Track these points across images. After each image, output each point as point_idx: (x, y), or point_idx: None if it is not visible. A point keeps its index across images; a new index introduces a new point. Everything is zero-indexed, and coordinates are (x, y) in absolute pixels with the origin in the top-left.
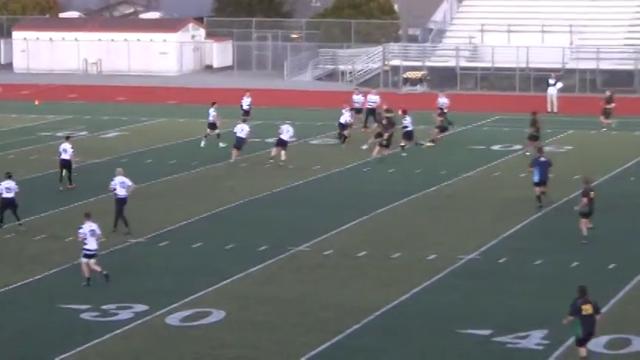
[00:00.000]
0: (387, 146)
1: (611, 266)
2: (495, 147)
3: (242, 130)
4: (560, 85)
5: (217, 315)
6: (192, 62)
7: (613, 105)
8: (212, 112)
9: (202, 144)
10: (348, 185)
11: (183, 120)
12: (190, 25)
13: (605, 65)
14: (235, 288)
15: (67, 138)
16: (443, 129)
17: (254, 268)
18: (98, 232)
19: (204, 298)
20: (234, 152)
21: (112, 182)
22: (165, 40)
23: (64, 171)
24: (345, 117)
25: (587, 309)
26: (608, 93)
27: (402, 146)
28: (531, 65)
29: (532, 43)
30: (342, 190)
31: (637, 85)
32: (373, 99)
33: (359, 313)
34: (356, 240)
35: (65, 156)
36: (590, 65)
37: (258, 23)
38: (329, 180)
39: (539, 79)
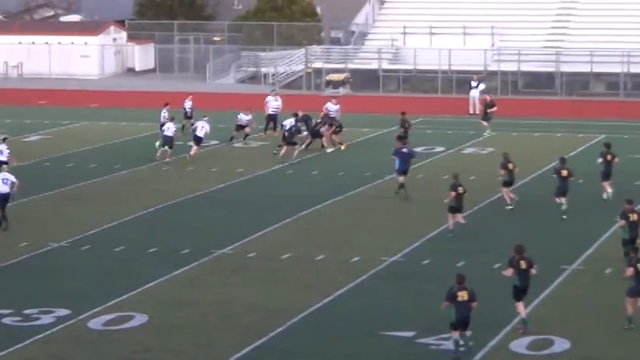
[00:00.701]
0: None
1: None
2: (418, 149)
3: (202, 127)
4: (482, 87)
5: (140, 319)
6: (114, 65)
7: (495, 109)
8: (164, 113)
9: (157, 144)
10: (272, 187)
11: (105, 123)
12: (112, 28)
13: (526, 67)
14: (158, 291)
15: (4, 139)
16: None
17: (177, 272)
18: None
19: (126, 301)
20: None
21: None
22: (86, 43)
23: None
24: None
25: (462, 295)
26: (488, 98)
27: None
28: (453, 67)
29: (454, 45)
30: (267, 193)
31: (558, 87)
32: (334, 108)
33: (283, 316)
34: (280, 242)
35: (2, 157)
36: (512, 67)
37: (179, 26)
38: (253, 182)
39: (461, 81)
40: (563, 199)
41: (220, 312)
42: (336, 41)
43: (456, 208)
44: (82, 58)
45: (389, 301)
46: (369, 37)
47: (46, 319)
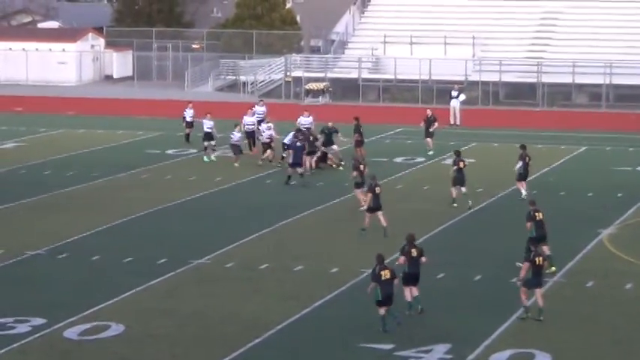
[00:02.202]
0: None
1: (513, 279)
2: (398, 159)
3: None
4: (462, 97)
5: (116, 329)
6: (92, 72)
7: (436, 125)
8: (189, 110)
9: (206, 159)
10: (250, 197)
11: (82, 131)
12: (90, 35)
13: (507, 78)
14: (135, 301)
15: None
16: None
17: (154, 282)
18: None
19: (103, 311)
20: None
21: None
22: (64, 50)
23: None
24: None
25: (385, 274)
26: (429, 112)
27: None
28: (434, 77)
29: (435, 55)
30: (245, 202)
31: (539, 98)
32: (307, 121)
33: (260, 327)
34: (258, 252)
35: None
36: (493, 78)
37: (158, 33)
38: (231, 192)
39: (441, 91)
40: (462, 189)
41: (198, 323)
42: (315, 50)
43: (373, 209)
44: (59, 64)
45: (368, 312)
46: (349, 46)
47: (22, 328)
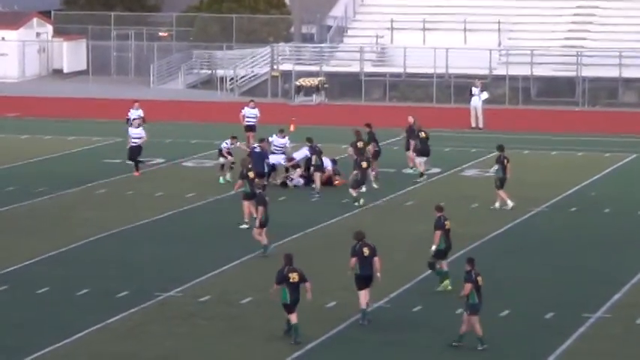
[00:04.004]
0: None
1: (548, 315)
2: (408, 170)
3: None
4: (485, 95)
5: None
6: (38, 66)
7: (422, 135)
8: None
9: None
10: (229, 216)
11: (25, 136)
12: (34, 21)
13: (540, 71)
14: (89, 344)
15: None
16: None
17: (112, 319)
18: None
19: (51, 356)
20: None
21: None
22: (3, 39)
23: None
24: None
25: (293, 277)
26: (411, 120)
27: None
28: (451, 71)
29: (452, 43)
30: (223, 223)
31: (579, 95)
32: (280, 142)
33: None
34: (239, 283)
35: None
36: (523, 71)
37: (117, 19)
38: (206, 210)
39: (460, 87)
40: (362, 189)
41: None
42: (308, 38)
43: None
44: None
45: (372, 355)
46: (349, 33)
47: None
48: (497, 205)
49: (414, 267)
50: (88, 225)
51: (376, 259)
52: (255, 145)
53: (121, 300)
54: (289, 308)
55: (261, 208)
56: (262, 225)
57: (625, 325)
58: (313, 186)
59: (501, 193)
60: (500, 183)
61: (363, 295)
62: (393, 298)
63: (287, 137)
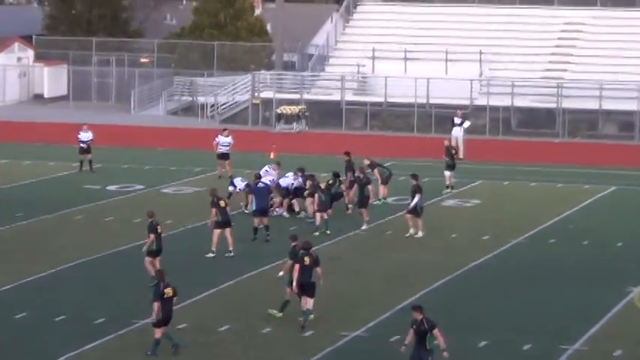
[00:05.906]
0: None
1: (526, 347)
2: (389, 199)
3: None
4: (467, 124)
5: None
6: (18, 91)
7: (385, 172)
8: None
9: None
10: (207, 244)
11: (4, 161)
12: (16, 45)
13: (521, 102)
14: None
15: None
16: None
17: (89, 346)
18: None
19: None
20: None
21: None
22: None
23: None
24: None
25: (168, 292)
26: (366, 162)
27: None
28: (432, 101)
29: (434, 73)
30: (200, 250)
31: (559, 126)
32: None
33: None
34: (216, 311)
35: None
36: (504, 102)
37: (99, 44)
38: (184, 237)
39: (441, 117)
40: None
41: None
42: (289, 66)
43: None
44: None
45: None
46: (331, 61)
47: None
48: (420, 234)
49: (393, 295)
50: (67, 251)
51: (318, 269)
52: (258, 181)
53: (98, 327)
54: (160, 325)
55: (152, 236)
56: (151, 253)
57: (603, 357)
58: (304, 213)
59: (417, 220)
60: (421, 211)
61: (304, 300)
62: (370, 327)
63: (278, 171)
